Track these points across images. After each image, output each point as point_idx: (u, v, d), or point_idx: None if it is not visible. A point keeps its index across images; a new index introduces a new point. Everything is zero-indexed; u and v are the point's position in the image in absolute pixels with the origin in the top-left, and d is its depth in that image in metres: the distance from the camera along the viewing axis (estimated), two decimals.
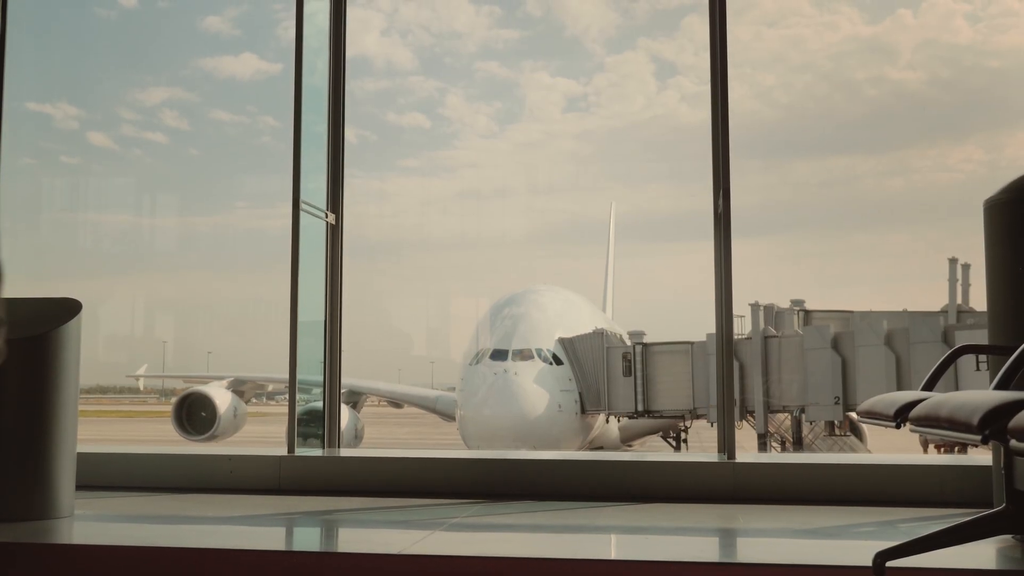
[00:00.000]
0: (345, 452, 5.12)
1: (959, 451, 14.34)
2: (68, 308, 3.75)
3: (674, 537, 3.48)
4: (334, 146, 5.31)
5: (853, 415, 17.24)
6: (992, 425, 2.01)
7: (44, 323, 3.64)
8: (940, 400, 2.35)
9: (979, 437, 2.03)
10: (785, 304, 19.65)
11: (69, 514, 3.64)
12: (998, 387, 2.52)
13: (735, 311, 4.78)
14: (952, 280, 19.23)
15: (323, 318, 5.20)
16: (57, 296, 3.83)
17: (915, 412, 2.45)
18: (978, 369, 3.50)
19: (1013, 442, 1.94)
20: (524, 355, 17.15)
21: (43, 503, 3.56)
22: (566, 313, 19.64)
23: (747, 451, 8.11)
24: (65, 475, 3.63)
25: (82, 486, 3.84)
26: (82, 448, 3.87)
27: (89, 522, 3.63)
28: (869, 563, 2.58)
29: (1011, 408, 1.98)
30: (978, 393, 2.27)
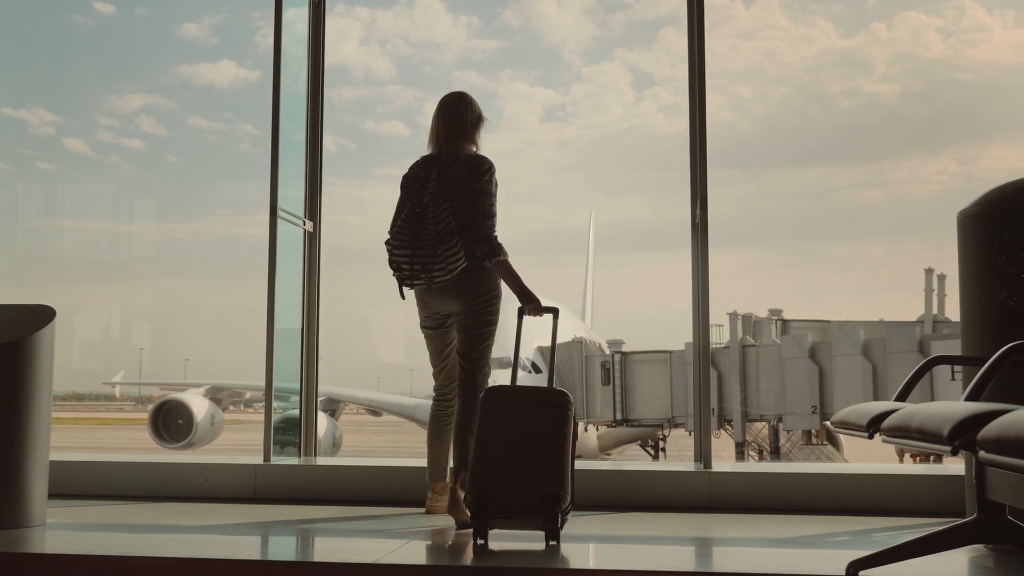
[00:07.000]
0: (321, 460, 5.09)
1: (935, 461, 14.43)
2: (41, 315, 3.72)
3: (650, 546, 3.49)
4: (312, 154, 5.30)
5: (830, 424, 17.36)
6: (962, 436, 2.03)
7: (16, 330, 3.61)
8: (911, 411, 2.37)
9: (949, 448, 2.06)
10: (763, 314, 19.79)
11: (41, 523, 3.60)
12: (969, 398, 2.55)
13: (713, 320, 4.82)
14: (928, 290, 19.45)
15: (300, 326, 5.18)
16: (31, 303, 3.80)
17: (887, 423, 2.47)
18: (953, 379, 3.53)
19: (983, 453, 1.95)
20: (502, 363, 17.12)
21: (14, 512, 3.52)
22: (545, 321, 19.63)
23: (724, 460, 8.14)
24: (37, 483, 3.60)
25: (55, 494, 3.80)
26: (55, 456, 3.83)
27: (61, 531, 3.59)
28: (843, 572, 2.60)
29: (980, 419, 2.00)
30: (949, 404, 2.29)
